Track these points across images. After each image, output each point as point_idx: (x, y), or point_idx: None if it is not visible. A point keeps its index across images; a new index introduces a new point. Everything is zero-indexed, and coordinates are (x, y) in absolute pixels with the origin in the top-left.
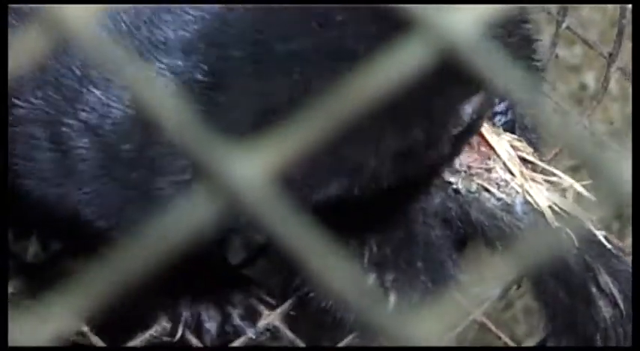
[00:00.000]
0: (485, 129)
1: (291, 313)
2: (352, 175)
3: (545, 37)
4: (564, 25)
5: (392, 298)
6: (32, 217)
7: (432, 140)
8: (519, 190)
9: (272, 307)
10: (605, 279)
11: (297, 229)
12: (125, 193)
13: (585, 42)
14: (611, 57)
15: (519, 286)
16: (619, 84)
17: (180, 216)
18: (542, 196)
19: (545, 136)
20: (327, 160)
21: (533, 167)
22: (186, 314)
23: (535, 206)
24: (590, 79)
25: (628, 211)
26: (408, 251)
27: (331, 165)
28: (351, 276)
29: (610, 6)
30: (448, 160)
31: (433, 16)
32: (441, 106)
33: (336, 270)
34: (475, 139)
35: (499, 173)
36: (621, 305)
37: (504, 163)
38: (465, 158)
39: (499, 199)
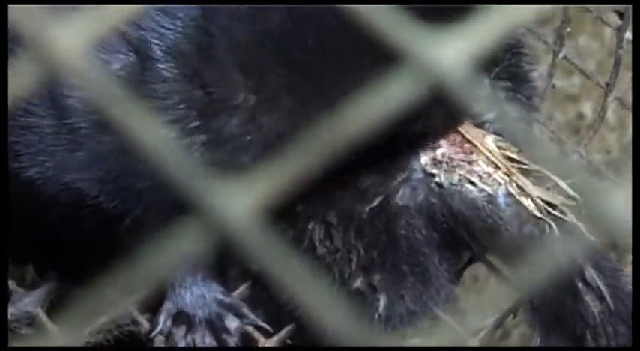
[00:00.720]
0: (469, 127)
1: (288, 341)
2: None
3: (542, 67)
4: (561, 55)
5: (382, 299)
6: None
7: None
8: (502, 182)
9: (268, 335)
10: (590, 273)
11: (281, 260)
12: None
13: (582, 72)
14: (608, 87)
15: (515, 316)
16: (616, 114)
17: (169, 248)
18: (525, 188)
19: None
20: (311, 93)
21: (518, 165)
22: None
23: (517, 197)
24: (587, 108)
25: (625, 241)
26: (393, 255)
27: (314, 97)
28: (328, 297)
29: (607, 35)
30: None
31: (422, 50)
32: None
33: (316, 293)
34: (458, 135)
35: (481, 166)
36: (608, 299)
37: (487, 157)
38: (447, 151)
39: (481, 191)
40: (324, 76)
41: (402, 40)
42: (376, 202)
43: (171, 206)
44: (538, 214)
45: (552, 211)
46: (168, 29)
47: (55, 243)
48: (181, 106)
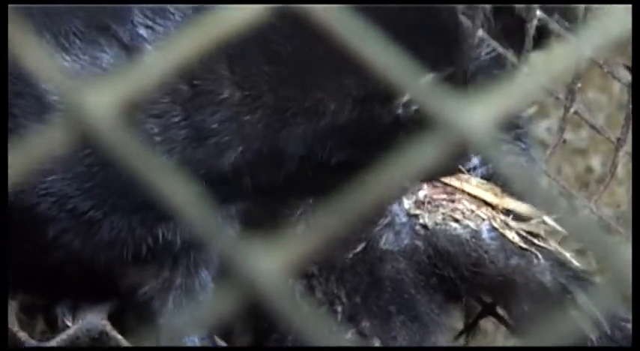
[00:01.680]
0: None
1: None
2: (311, 119)
3: (552, 122)
4: (572, 110)
5: (376, 343)
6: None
7: (388, 93)
8: (485, 217)
9: None
10: (582, 299)
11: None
12: None
13: (593, 127)
14: (619, 142)
15: None
16: (626, 168)
17: (204, 310)
18: (508, 222)
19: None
20: (294, 92)
21: (500, 201)
22: None
23: (501, 231)
24: (596, 162)
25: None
26: (378, 298)
27: (296, 97)
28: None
29: (617, 89)
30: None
31: (449, 114)
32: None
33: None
34: (440, 181)
35: (464, 204)
36: (604, 324)
37: (470, 195)
38: (429, 192)
39: (465, 227)
40: (309, 76)
41: (430, 104)
42: (359, 248)
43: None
44: (523, 246)
45: (537, 242)
46: (159, 24)
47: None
48: (165, 99)
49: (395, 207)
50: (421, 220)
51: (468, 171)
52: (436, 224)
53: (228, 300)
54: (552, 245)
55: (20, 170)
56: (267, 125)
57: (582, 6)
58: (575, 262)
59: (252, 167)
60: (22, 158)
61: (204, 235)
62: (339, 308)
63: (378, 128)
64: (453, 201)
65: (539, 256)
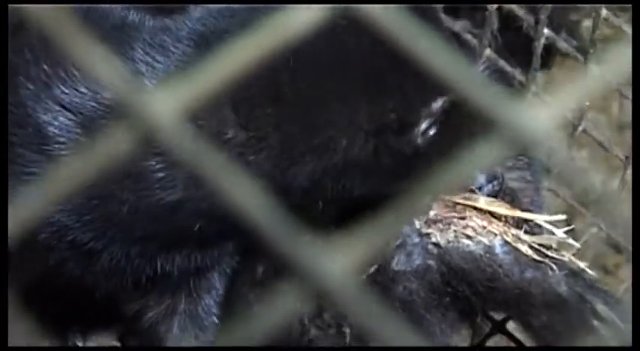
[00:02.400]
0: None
1: None
2: (322, 156)
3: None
4: (581, 129)
5: None
6: None
7: (402, 124)
8: (497, 232)
9: None
10: (602, 308)
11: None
12: None
13: (601, 145)
14: (627, 160)
15: None
16: (627, 187)
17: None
18: (520, 236)
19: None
20: (301, 132)
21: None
22: None
23: (514, 244)
24: (596, 182)
25: (625, 243)
26: None
27: (304, 136)
28: None
29: (615, 109)
30: (420, 158)
31: (510, 116)
32: (414, 90)
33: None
34: (449, 199)
35: (475, 221)
36: (625, 332)
37: (481, 209)
38: (439, 211)
39: (478, 243)
40: (316, 113)
41: (491, 106)
42: (371, 270)
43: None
44: (537, 258)
45: (550, 253)
46: (159, 62)
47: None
48: None
49: (406, 228)
50: (433, 239)
51: (474, 191)
52: (448, 242)
53: (299, 298)
54: (566, 256)
55: (85, 176)
56: (274, 165)
57: (589, 24)
58: (590, 272)
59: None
60: (87, 164)
61: (272, 237)
62: (347, 330)
63: (396, 159)
64: (463, 218)
65: (554, 267)
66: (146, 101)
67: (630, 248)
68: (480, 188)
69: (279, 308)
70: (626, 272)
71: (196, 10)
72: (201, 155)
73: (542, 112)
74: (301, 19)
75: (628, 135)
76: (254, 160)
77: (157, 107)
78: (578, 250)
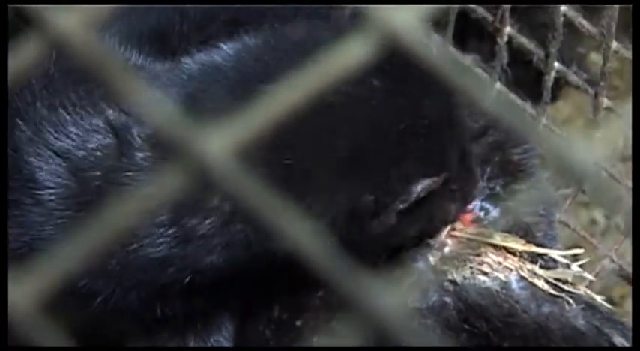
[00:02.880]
0: (475, 230)
1: None
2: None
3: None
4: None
5: None
6: None
7: (379, 208)
8: (512, 267)
9: None
10: (619, 340)
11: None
12: None
13: (612, 176)
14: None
15: None
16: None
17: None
18: (535, 271)
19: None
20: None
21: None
22: None
23: (530, 279)
24: (599, 215)
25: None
26: None
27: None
28: None
29: (620, 143)
30: (394, 235)
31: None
32: (395, 177)
33: None
34: (464, 235)
35: (491, 256)
36: None
37: (496, 245)
38: (455, 247)
39: (494, 279)
40: (298, 195)
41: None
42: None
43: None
44: (554, 292)
45: (566, 288)
46: None
47: None
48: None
49: (420, 264)
50: (449, 276)
51: (488, 226)
52: (465, 278)
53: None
54: (582, 289)
55: (137, 217)
56: (257, 233)
57: (597, 57)
58: (606, 305)
59: (240, 269)
60: (140, 206)
61: (324, 271)
62: None
63: (368, 237)
64: (479, 255)
65: (571, 301)
66: (198, 139)
67: None
68: (494, 223)
69: (338, 342)
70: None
71: (191, 62)
72: (255, 195)
73: (594, 145)
74: (347, 59)
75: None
76: (240, 229)
77: (210, 146)
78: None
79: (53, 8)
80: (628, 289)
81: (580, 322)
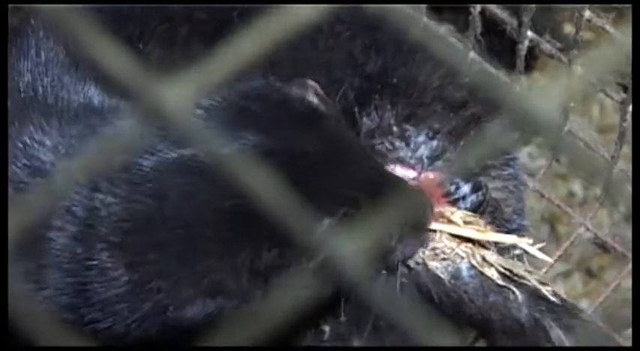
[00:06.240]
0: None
1: None
2: (214, 295)
3: (533, 148)
4: (566, 129)
5: None
6: None
7: (285, 257)
8: (464, 255)
9: None
10: (556, 333)
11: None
12: None
13: (587, 145)
14: (613, 159)
15: None
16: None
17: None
18: (487, 258)
19: None
20: (187, 276)
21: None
22: None
23: (480, 268)
24: (577, 187)
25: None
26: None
27: (191, 280)
28: None
29: (595, 113)
30: None
31: (517, 101)
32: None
33: None
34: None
35: (444, 242)
36: None
37: (449, 233)
38: None
39: (446, 267)
40: (198, 260)
41: (501, 92)
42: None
43: None
44: (501, 283)
45: (515, 278)
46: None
47: None
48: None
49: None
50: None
51: (458, 200)
52: (417, 264)
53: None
54: (531, 280)
55: (98, 165)
56: (161, 306)
57: (571, 26)
58: (552, 297)
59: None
60: (104, 151)
61: (293, 227)
62: (326, 328)
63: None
64: (432, 239)
65: (517, 291)
66: (159, 92)
67: (616, 247)
68: (464, 197)
69: (294, 289)
70: (611, 275)
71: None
72: (214, 146)
73: (541, 97)
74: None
75: (610, 137)
76: (144, 298)
77: (170, 97)
78: (565, 252)
79: None
80: (607, 260)
81: (522, 314)
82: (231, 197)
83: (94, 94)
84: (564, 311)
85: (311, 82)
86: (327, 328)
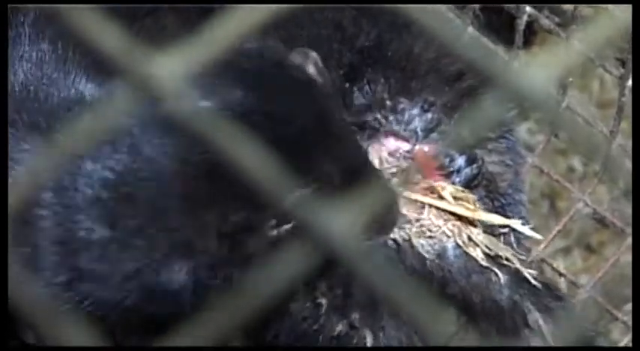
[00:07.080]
0: (431, 176)
1: None
2: (185, 255)
3: (532, 124)
4: (564, 105)
5: (367, 335)
6: None
7: (252, 222)
8: (450, 234)
9: None
10: (534, 317)
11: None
12: None
13: (586, 121)
14: (612, 134)
15: None
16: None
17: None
18: (473, 238)
19: None
20: (160, 232)
21: (472, 214)
22: None
23: (465, 249)
24: (577, 162)
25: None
26: (362, 288)
27: (163, 237)
28: None
29: (595, 88)
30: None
31: (511, 75)
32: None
33: None
34: (408, 193)
35: (432, 220)
36: (551, 343)
37: (438, 208)
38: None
39: (432, 245)
40: (168, 219)
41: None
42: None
43: None
44: (485, 264)
45: (499, 260)
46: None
47: None
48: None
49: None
50: (391, 235)
51: (452, 173)
52: (404, 241)
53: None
54: (515, 262)
55: (87, 140)
56: (142, 264)
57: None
58: (534, 281)
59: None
60: (90, 127)
61: (277, 196)
62: (323, 301)
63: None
64: (420, 217)
65: (499, 273)
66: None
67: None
68: (458, 170)
69: (285, 263)
70: (610, 250)
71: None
72: (205, 121)
73: (539, 72)
74: None
75: (610, 112)
76: (125, 257)
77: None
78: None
79: None
80: (606, 236)
81: (502, 296)
82: (201, 153)
83: (85, 87)
84: (547, 295)
85: (312, 53)
86: (323, 301)
